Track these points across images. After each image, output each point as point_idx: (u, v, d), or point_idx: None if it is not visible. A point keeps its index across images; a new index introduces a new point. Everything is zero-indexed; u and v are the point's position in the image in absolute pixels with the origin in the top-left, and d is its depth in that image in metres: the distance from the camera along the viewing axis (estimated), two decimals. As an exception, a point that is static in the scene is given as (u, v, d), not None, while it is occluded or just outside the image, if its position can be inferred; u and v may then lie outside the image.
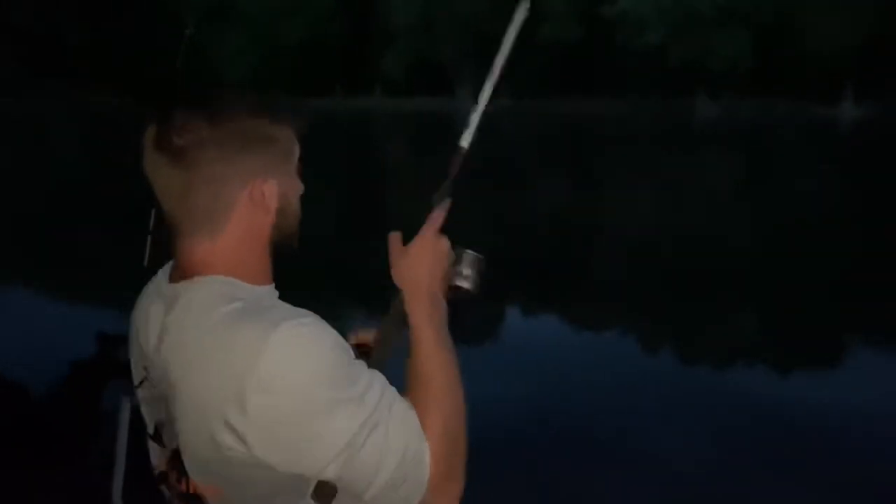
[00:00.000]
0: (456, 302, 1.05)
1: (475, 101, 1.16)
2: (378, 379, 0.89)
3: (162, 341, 0.92)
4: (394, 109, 37.23)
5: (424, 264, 1.00)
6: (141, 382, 0.99)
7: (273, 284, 0.98)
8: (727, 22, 37.36)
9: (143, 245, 2.31)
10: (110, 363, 4.92)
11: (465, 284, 1.07)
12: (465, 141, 1.09)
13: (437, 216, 1.04)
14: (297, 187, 0.98)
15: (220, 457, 0.84)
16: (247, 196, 0.91)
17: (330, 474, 0.83)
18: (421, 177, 16.06)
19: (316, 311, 0.92)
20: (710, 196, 13.44)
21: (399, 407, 0.88)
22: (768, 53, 36.96)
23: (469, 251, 1.09)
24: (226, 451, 0.83)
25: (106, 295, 6.73)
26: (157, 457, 0.99)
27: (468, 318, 1.08)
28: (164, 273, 1.00)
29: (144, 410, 1.01)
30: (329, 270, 8.09)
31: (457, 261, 1.07)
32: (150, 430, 0.99)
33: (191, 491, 0.91)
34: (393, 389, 0.90)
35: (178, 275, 0.94)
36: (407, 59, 42.60)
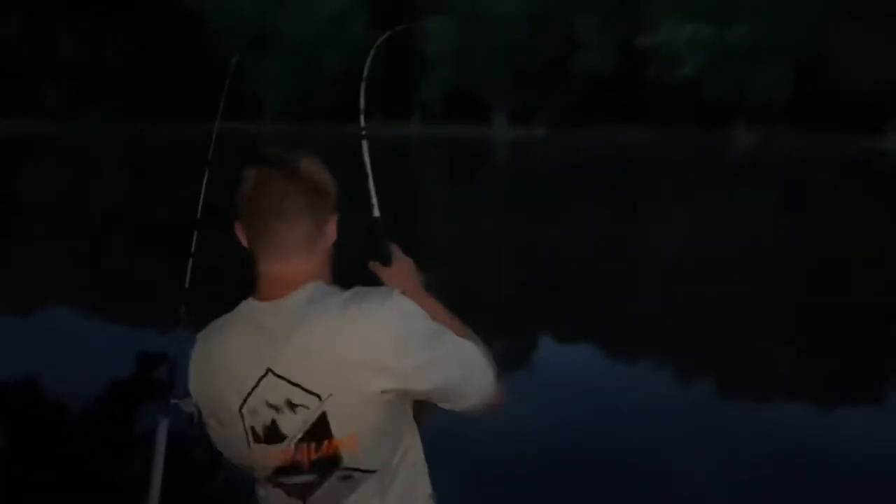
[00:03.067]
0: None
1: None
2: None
3: (281, 347, 1.17)
4: (432, 136, 37.53)
5: (410, 273, 1.44)
6: (245, 400, 1.20)
7: None
8: (765, 55, 37.08)
9: (184, 268, 2.35)
10: (149, 382, 4.99)
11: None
12: (376, 211, 1.52)
13: (397, 250, 1.46)
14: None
15: (371, 401, 1.15)
16: (330, 228, 1.28)
17: (445, 380, 1.19)
18: (454, 198, 16.02)
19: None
20: (747, 228, 13.26)
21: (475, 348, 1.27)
22: (807, 85, 36.55)
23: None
24: (381, 395, 1.15)
25: (146, 316, 6.85)
26: (268, 458, 1.21)
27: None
28: (246, 309, 1.25)
29: (250, 425, 1.21)
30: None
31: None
32: (259, 436, 1.21)
33: (327, 453, 1.18)
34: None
35: (278, 292, 1.22)
36: (444, 87, 43.04)
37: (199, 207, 2.17)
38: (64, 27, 42.08)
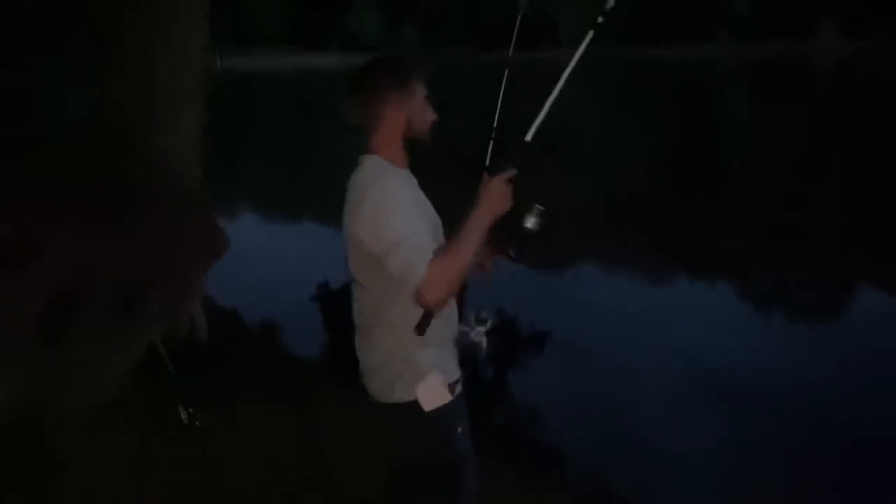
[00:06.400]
0: (525, 235, 1.76)
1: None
2: (423, 229, 1.67)
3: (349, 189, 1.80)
4: (740, 55, 34.23)
5: (490, 196, 1.71)
6: None
7: (408, 169, 1.81)
8: None
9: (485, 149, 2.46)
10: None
11: (530, 226, 1.75)
12: (530, 135, 1.75)
13: (513, 171, 1.73)
14: (425, 113, 1.79)
15: (353, 242, 1.71)
16: (390, 114, 1.75)
17: (381, 251, 1.66)
18: (766, 128, 14.54)
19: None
20: None
21: (424, 245, 1.63)
22: None
23: (538, 205, 1.74)
24: (359, 246, 1.69)
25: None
26: None
27: (529, 249, 1.78)
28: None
29: None
30: (652, 224, 7.90)
31: (530, 210, 1.74)
32: None
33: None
34: (428, 239, 1.66)
35: (365, 152, 1.81)
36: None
37: (495, 122, 2.30)
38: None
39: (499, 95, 2.06)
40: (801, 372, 4.19)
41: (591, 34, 1.77)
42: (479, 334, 1.90)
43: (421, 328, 1.71)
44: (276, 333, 4.99)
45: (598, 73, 30.78)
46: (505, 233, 1.80)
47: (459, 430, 1.83)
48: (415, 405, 1.78)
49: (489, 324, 1.86)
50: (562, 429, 3.73)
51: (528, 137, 1.76)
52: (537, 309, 5.40)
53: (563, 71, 1.81)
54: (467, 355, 1.88)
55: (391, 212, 1.66)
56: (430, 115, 1.82)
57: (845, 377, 4.10)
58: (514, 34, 2.34)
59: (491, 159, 1.89)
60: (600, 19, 1.77)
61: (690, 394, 4.05)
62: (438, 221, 1.85)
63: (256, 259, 6.40)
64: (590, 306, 5.38)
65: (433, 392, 1.79)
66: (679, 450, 3.52)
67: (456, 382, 1.85)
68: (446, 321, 1.83)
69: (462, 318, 1.94)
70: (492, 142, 1.87)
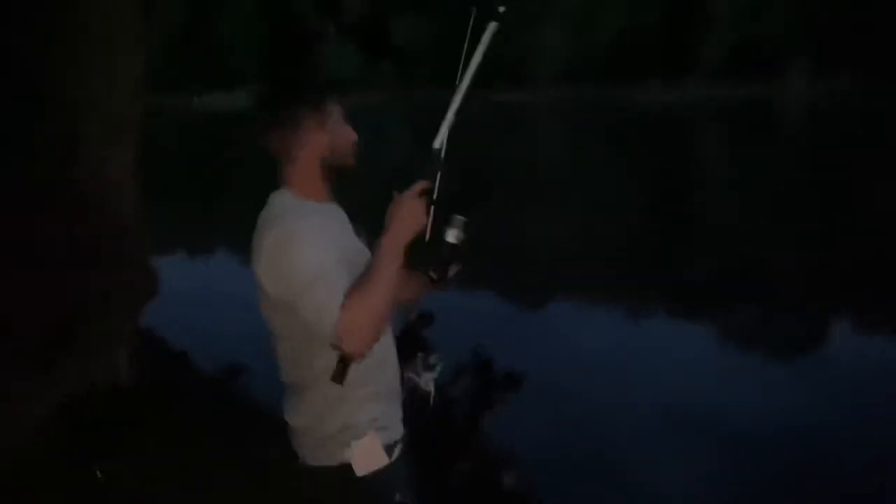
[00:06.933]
0: (450, 253, 1.54)
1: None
2: (335, 267, 1.44)
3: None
4: (712, 98, 34.96)
5: (398, 214, 1.50)
6: None
7: (329, 201, 1.62)
8: None
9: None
10: (416, 339, 5.30)
11: (452, 240, 1.53)
12: (438, 142, 1.55)
13: (423, 183, 1.54)
14: (344, 132, 1.61)
15: (267, 300, 1.52)
16: (299, 142, 1.57)
17: (290, 298, 1.45)
18: (737, 173, 14.71)
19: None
20: None
21: (335, 286, 1.41)
22: None
23: (458, 216, 1.53)
24: (268, 294, 1.49)
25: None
26: None
27: (457, 268, 1.57)
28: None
29: None
30: (630, 262, 7.89)
31: (450, 222, 1.53)
32: None
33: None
34: (341, 278, 1.43)
35: (279, 186, 1.61)
36: (730, 41, 39.68)
37: (442, 149, 2.01)
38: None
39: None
40: (784, 411, 4.14)
41: (493, 25, 1.55)
42: (428, 382, 1.70)
43: (337, 377, 1.44)
44: (245, 375, 4.84)
45: (575, 113, 31.25)
46: (425, 254, 1.55)
47: (398, 497, 1.59)
48: (346, 469, 1.55)
49: (438, 369, 1.69)
50: (538, 476, 3.62)
51: (437, 144, 1.56)
52: (511, 348, 5.32)
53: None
54: (417, 406, 1.67)
55: (297, 253, 1.44)
56: (350, 135, 1.63)
57: (828, 416, 4.06)
58: (465, 43, 2.01)
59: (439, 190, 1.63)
60: (502, 9, 1.53)
61: (674, 437, 3.97)
62: (365, 257, 1.58)
63: (227, 299, 6.23)
64: (567, 345, 5.32)
65: (367, 454, 1.56)
66: (662, 494, 3.44)
67: (396, 443, 1.62)
68: (383, 371, 1.61)
69: (409, 364, 1.70)
70: (438, 173, 1.58)
